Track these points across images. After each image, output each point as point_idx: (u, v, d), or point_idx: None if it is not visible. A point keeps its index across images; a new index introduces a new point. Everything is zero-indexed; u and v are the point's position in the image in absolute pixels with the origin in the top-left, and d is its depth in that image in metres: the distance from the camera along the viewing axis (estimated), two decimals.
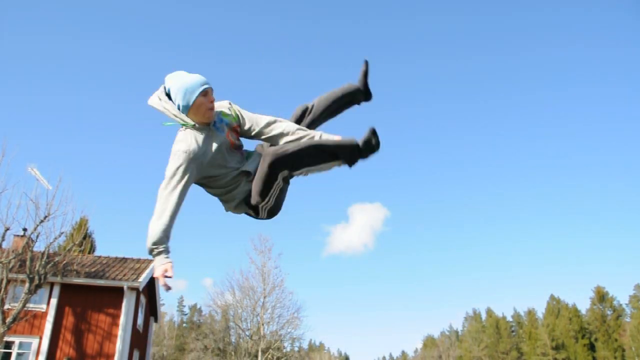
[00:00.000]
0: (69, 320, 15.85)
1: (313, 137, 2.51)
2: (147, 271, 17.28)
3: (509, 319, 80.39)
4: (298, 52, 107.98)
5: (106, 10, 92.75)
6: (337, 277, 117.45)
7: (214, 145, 2.40)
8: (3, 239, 13.88)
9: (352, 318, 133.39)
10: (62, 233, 15.30)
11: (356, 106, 2.93)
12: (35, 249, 14.89)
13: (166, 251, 2.27)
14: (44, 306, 15.78)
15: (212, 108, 2.38)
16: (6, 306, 14.09)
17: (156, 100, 2.40)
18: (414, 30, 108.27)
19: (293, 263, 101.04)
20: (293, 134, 2.51)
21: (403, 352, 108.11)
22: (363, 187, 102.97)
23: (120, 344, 15.63)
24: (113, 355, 15.55)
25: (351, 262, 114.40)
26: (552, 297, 74.10)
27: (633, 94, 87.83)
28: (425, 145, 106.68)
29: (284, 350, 34.13)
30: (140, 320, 18.43)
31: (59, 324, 15.72)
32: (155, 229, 2.26)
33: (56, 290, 16.00)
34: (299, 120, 2.70)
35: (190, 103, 2.32)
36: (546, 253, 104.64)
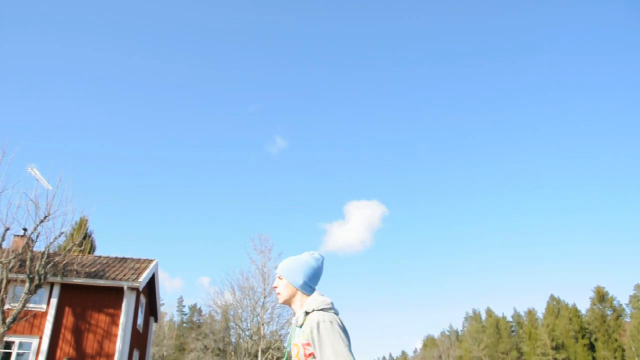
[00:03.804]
0: (69, 320, 15.85)
1: None
2: (147, 271, 17.27)
3: (509, 319, 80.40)
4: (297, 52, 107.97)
5: (105, 13, 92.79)
6: (336, 276, 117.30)
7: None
8: (3, 239, 13.87)
9: (352, 318, 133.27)
10: (62, 233, 15.28)
11: None
12: (35, 249, 14.88)
13: None
14: (44, 306, 15.78)
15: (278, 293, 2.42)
16: (6, 306, 14.09)
17: None
18: (413, 31, 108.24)
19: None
20: None
21: (403, 352, 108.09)
22: (360, 185, 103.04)
23: (120, 343, 15.63)
24: (113, 355, 15.54)
25: (349, 261, 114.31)
26: (552, 297, 74.09)
27: (633, 94, 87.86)
28: (425, 143, 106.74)
29: (284, 350, 34.10)
30: (140, 320, 18.43)
31: (59, 323, 15.72)
32: None
33: (56, 290, 16.00)
34: None
35: None
36: (546, 253, 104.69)
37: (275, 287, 2.41)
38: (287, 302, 2.38)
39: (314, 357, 2.13)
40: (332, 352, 2.03)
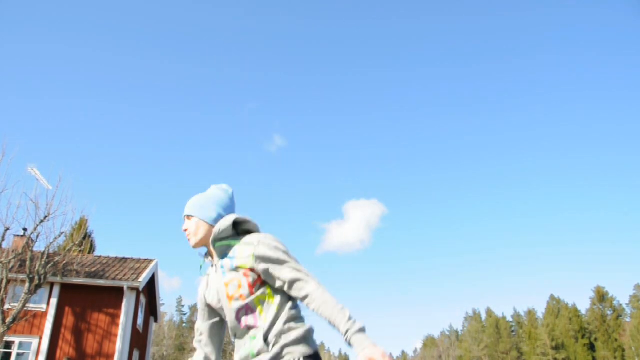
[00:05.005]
0: (69, 320, 15.85)
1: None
2: (147, 271, 17.28)
3: (509, 319, 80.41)
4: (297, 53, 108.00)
5: (105, 13, 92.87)
6: (335, 276, 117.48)
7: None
8: (3, 239, 13.88)
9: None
10: (62, 233, 15.29)
11: None
12: (35, 249, 14.89)
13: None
14: (44, 306, 15.78)
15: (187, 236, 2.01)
16: (6, 306, 14.09)
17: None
18: (413, 31, 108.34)
19: None
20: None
21: (403, 352, 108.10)
22: (359, 184, 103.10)
23: (120, 343, 15.64)
24: (113, 355, 15.55)
25: (348, 260, 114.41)
26: (552, 297, 74.13)
27: (633, 94, 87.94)
28: (425, 141, 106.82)
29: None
30: (140, 320, 18.43)
31: (59, 324, 15.73)
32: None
33: (56, 290, 16.01)
34: None
35: None
36: (546, 253, 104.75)
37: (185, 230, 1.99)
38: (202, 243, 1.99)
39: (261, 285, 1.85)
40: (293, 267, 1.81)
